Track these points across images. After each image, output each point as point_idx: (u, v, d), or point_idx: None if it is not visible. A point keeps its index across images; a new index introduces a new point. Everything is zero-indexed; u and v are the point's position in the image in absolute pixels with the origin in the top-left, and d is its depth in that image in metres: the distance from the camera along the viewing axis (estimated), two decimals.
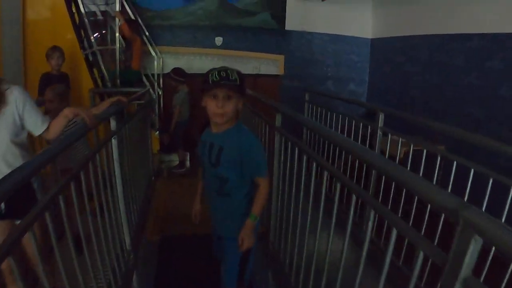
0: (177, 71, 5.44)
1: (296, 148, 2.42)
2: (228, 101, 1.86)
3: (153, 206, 4.17)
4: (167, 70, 6.20)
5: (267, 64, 6.48)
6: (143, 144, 4.24)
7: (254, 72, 6.47)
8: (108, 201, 2.33)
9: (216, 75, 1.84)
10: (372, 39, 7.05)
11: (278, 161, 2.82)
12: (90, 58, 5.02)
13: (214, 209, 2.16)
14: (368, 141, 3.66)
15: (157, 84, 6.07)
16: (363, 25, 6.98)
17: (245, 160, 1.94)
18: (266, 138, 3.31)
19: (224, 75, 1.83)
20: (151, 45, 5.92)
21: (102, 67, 5.02)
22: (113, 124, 2.62)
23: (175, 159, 5.86)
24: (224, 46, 6.40)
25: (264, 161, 2.02)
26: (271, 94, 6.51)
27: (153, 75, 5.97)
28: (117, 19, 5.21)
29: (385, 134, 3.32)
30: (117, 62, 5.11)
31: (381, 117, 3.25)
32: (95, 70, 5.07)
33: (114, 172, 2.58)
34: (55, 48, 4.34)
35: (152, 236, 3.63)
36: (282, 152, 2.75)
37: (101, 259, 2.05)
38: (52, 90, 3.22)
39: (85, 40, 5.01)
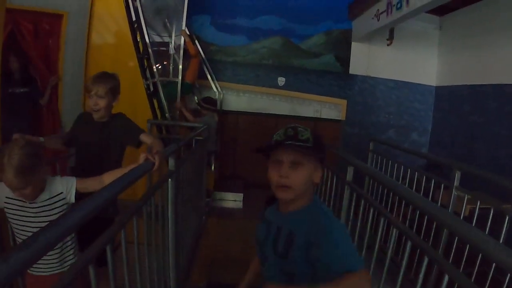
0: (208, 99, 5.51)
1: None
2: (296, 169, 1.34)
3: (201, 247, 3.96)
4: (227, 107, 6.12)
5: (329, 108, 6.39)
6: (198, 182, 4.14)
7: (315, 116, 6.37)
8: (158, 244, 2.29)
9: (282, 134, 1.39)
10: (436, 87, 6.86)
11: (346, 217, 2.73)
12: (151, 88, 4.94)
13: None
14: (431, 195, 3.51)
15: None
16: (428, 72, 6.88)
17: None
18: (333, 191, 3.26)
19: (292, 133, 1.38)
20: (212, 80, 5.79)
21: (163, 98, 4.93)
22: (171, 163, 2.55)
23: (229, 198, 5.66)
24: (287, 86, 6.38)
25: (352, 251, 1.31)
26: (332, 140, 6.34)
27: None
28: (182, 38, 5.28)
29: (445, 188, 3.21)
30: (178, 93, 5.01)
31: (458, 175, 3.01)
32: (154, 101, 4.98)
33: (168, 213, 2.55)
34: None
35: (198, 281, 3.39)
36: (352, 208, 2.69)
37: None
38: None
39: (147, 70, 4.94)
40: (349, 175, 2.76)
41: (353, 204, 2.68)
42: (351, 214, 2.72)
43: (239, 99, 6.32)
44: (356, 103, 6.59)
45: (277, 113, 6.45)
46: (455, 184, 2.99)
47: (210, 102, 5.47)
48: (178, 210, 2.81)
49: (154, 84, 5.13)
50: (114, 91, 2.47)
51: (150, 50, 5.20)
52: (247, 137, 5.82)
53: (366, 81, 6.58)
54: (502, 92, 5.23)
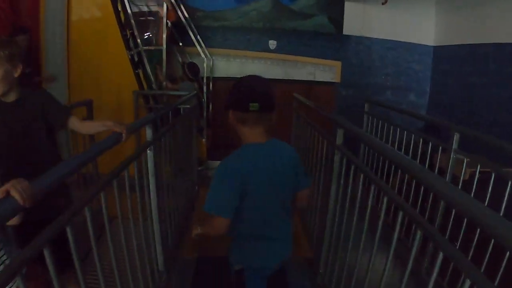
0: (192, 66, 5.38)
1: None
2: None
3: (194, 218, 3.80)
4: (218, 73, 5.93)
5: (323, 70, 6.18)
6: (187, 151, 3.90)
7: (309, 79, 6.16)
8: (138, 218, 2.20)
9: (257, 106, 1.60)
10: (435, 47, 6.65)
11: (337, 183, 2.58)
12: (136, 59, 4.73)
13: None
14: (428, 159, 3.30)
15: (207, 87, 5.72)
16: (425, 31, 6.70)
17: None
18: (323, 155, 3.11)
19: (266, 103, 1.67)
20: (200, 46, 5.56)
21: (148, 68, 4.73)
22: (148, 133, 2.44)
23: None
24: (278, 50, 6.28)
25: (212, 196, 1.58)
26: (326, 103, 6.19)
27: (202, 78, 5.60)
28: (164, 5, 5.12)
29: (443, 150, 3.07)
30: (164, 63, 4.80)
31: (456, 138, 2.85)
32: (140, 72, 4.77)
33: (150, 186, 2.47)
34: None
35: (189, 253, 3.25)
36: (343, 174, 2.49)
37: (129, 280, 1.97)
38: None
39: (130, 40, 4.72)
40: (339, 138, 2.57)
41: (344, 169, 2.49)
42: (342, 180, 2.53)
43: (230, 64, 6.13)
44: (351, 64, 6.38)
45: (269, 78, 6.19)
46: (453, 147, 2.84)
47: (193, 69, 5.26)
48: (162, 183, 2.72)
49: (139, 54, 4.92)
50: (11, 59, 1.90)
51: (132, 20, 4.99)
52: None
53: (361, 42, 6.36)
54: (503, 51, 5.02)
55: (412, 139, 3.64)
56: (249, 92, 1.64)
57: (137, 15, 5.30)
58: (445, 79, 6.45)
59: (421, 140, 3.52)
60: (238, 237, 1.75)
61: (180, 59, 5.85)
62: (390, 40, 6.46)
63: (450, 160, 2.87)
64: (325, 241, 2.71)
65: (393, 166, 3.66)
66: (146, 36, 5.26)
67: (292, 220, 1.86)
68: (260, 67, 6.18)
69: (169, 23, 5.50)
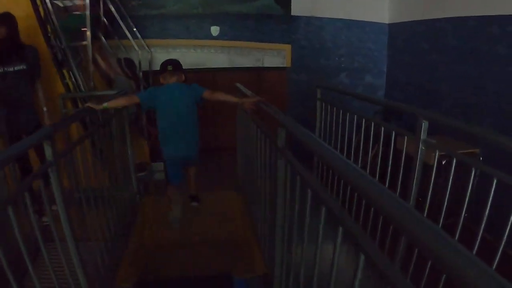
0: (129, 62, 4.99)
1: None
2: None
3: (135, 235, 3.35)
4: (157, 66, 5.39)
5: (271, 55, 5.74)
6: (122, 158, 3.43)
7: (257, 65, 5.72)
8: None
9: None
10: (389, 24, 6.26)
11: (283, 194, 2.03)
12: (59, 57, 4.16)
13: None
14: (392, 145, 3.04)
15: (146, 83, 5.22)
16: (379, 8, 6.35)
17: None
18: (267, 158, 2.70)
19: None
20: (135, 38, 5.05)
21: (74, 66, 4.16)
22: (48, 151, 1.98)
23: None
24: (222, 36, 5.86)
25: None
26: (277, 90, 5.77)
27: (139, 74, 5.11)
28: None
29: (402, 134, 2.87)
30: (90, 59, 4.27)
31: (425, 126, 2.53)
32: (65, 72, 4.21)
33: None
34: None
35: (124, 280, 2.79)
36: (288, 181, 2.12)
37: None
38: None
39: (51, 36, 4.15)
40: (281, 139, 2.15)
41: (289, 175, 2.08)
42: (287, 189, 2.12)
43: (170, 56, 5.58)
44: (302, 47, 5.97)
45: (214, 67, 5.77)
46: (422, 137, 2.50)
47: (131, 66, 4.76)
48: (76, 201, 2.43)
49: (62, 51, 4.34)
50: None
51: (53, 16, 4.38)
52: None
53: (311, 23, 5.94)
54: (464, 26, 4.65)
55: (372, 126, 3.28)
56: (166, 62, 3.30)
57: (61, 10, 4.71)
58: (402, 57, 6.12)
59: (382, 128, 3.18)
60: (160, 137, 3.31)
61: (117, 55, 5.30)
62: (342, 19, 6.07)
63: (419, 151, 2.54)
64: (277, 258, 2.41)
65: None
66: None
67: (196, 128, 3.28)
68: (203, 56, 5.72)
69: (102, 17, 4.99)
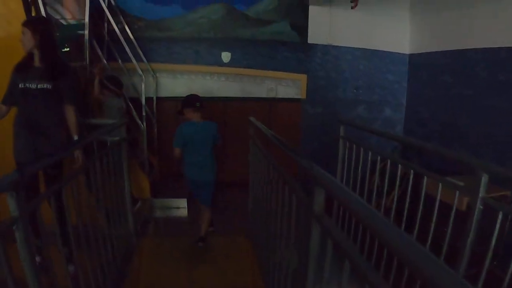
0: (113, 78, 4.40)
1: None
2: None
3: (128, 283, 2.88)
4: (163, 92, 4.99)
5: (286, 85, 5.33)
6: (117, 196, 2.95)
7: (270, 96, 5.25)
8: None
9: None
10: (410, 55, 5.88)
11: (315, 268, 1.73)
12: None
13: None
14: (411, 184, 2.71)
15: (150, 110, 4.78)
16: (400, 38, 5.97)
17: None
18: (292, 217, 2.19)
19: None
20: (138, 62, 4.62)
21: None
22: (11, 204, 1.52)
23: (171, 204, 4.52)
24: (233, 63, 5.42)
25: (175, 139, 3.53)
26: (291, 123, 5.33)
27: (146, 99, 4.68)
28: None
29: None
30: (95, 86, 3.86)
31: (484, 180, 2.06)
32: None
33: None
34: None
35: None
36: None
37: None
38: None
39: None
40: (318, 203, 1.66)
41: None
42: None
43: (176, 82, 5.22)
44: (318, 77, 5.54)
45: (224, 96, 5.32)
46: (481, 195, 2.06)
47: (115, 82, 4.31)
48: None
49: None
50: None
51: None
52: None
53: (329, 51, 5.53)
54: (495, 57, 4.26)
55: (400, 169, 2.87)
56: (195, 98, 3.59)
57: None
58: (423, 90, 5.71)
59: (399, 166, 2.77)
60: (186, 167, 3.62)
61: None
62: (360, 48, 5.67)
63: (476, 210, 2.07)
64: None
65: None
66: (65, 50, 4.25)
67: (212, 158, 3.65)
68: (212, 84, 5.30)
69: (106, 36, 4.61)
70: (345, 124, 3.85)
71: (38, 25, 2.93)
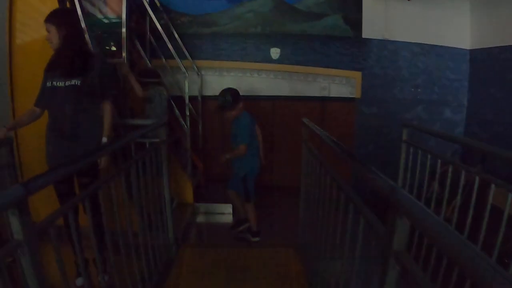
0: (146, 71, 4.15)
1: None
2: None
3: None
4: (209, 91, 4.67)
5: (339, 83, 4.93)
6: (156, 201, 2.64)
7: (323, 95, 4.83)
8: None
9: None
10: (471, 50, 5.28)
11: None
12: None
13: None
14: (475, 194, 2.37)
15: (194, 110, 4.45)
16: (459, 31, 5.40)
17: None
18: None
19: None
20: (187, 58, 4.33)
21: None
22: (15, 226, 1.21)
23: (214, 210, 4.18)
24: (283, 60, 5.05)
25: (243, 135, 3.48)
26: (344, 125, 4.92)
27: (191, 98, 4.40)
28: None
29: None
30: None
31: None
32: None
33: None
34: None
35: None
36: None
37: None
38: None
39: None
40: (400, 238, 1.25)
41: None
42: None
43: (223, 80, 4.89)
44: (374, 75, 5.10)
45: (273, 95, 4.95)
46: None
47: (149, 73, 4.05)
48: None
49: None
50: None
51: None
52: None
53: (385, 47, 5.08)
54: None
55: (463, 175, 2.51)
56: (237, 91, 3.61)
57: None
58: (487, 89, 5.16)
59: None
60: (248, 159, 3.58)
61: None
62: (419, 43, 5.18)
63: None
64: None
65: None
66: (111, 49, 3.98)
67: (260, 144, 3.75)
68: (261, 81, 4.93)
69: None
70: (409, 127, 3.40)
71: (61, 18, 2.63)
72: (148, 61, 4.39)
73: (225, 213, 4.31)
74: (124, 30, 3.77)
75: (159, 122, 3.04)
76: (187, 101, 4.30)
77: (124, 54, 3.72)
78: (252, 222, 3.74)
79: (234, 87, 3.71)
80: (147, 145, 2.89)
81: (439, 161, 2.93)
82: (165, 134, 2.99)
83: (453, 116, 5.49)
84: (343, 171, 2.11)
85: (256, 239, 3.75)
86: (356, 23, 4.99)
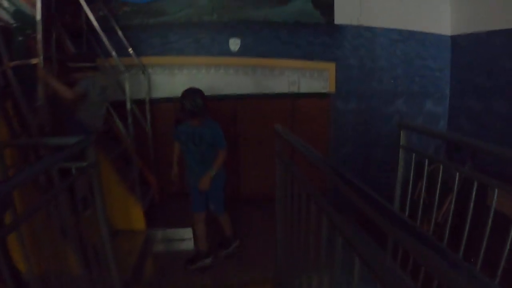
0: (78, 54, 3.53)
1: None
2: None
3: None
4: (158, 93, 3.89)
5: (310, 77, 4.23)
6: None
7: (292, 91, 4.10)
8: None
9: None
10: (453, 37, 4.75)
11: None
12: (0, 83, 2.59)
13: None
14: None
15: (142, 115, 3.69)
16: (439, 15, 4.78)
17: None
18: None
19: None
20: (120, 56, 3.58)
21: (19, 95, 2.57)
22: None
23: (172, 236, 3.44)
24: (244, 52, 4.28)
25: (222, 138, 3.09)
26: (317, 124, 4.21)
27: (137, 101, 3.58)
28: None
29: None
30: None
31: None
32: (8, 105, 2.62)
33: None
34: None
35: None
36: None
37: None
38: None
39: None
40: None
41: None
42: None
43: (175, 79, 4.14)
44: (349, 66, 4.45)
45: (234, 93, 4.19)
46: None
47: (83, 56, 3.33)
48: None
49: (3, 75, 2.73)
50: None
51: None
52: None
53: (360, 34, 4.44)
54: None
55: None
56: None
57: None
58: (471, 78, 4.60)
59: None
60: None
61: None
62: (398, 29, 4.56)
63: None
64: None
65: None
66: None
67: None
68: (219, 79, 4.20)
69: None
70: (406, 128, 2.72)
71: None
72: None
73: (185, 238, 3.55)
74: (39, 17, 2.94)
75: (83, 141, 2.23)
76: (128, 105, 3.47)
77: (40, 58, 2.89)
78: (230, 230, 3.42)
79: (189, 86, 3.04)
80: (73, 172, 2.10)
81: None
82: (94, 156, 2.20)
83: (435, 108, 4.91)
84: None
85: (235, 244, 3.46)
86: (327, 7, 4.28)
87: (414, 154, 2.63)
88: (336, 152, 4.43)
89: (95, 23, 3.46)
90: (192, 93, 2.99)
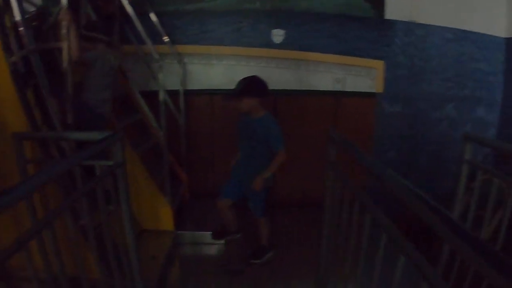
0: (91, 25, 3.10)
1: None
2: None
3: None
4: (194, 84, 3.61)
5: (356, 74, 3.91)
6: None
7: (336, 89, 3.78)
8: None
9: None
10: (507, 39, 4.40)
11: None
12: (20, 70, 2.29)
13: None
14: None
15: (176, 107, 3.41)
16: (493, 16, 4.36)
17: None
18: None
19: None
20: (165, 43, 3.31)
21: (43, 81, 2.26)
22: None
23: (200, 239, 3.17)
24: (287, 44, 3.94)
25: (280, 139, 2.88)
26: (361, 125, 3.94)
27: (170, 92, 3.31)
28: None
29: None
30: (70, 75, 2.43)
31: None
32: (29, 94, 2.32)
33: None
34: None
35: None
36: None
37: None
38: None
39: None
40: None
41: None
42: None
43: (212, 70, 3.84)
44: (398, 65, 4.09)
45: (274, 88, 3.88)
46: None
47: (95, 27, 3.01)
48: None
49: (26, 60, 2.41)
50: None
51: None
52: (230, 129, 3.24)
53: (412, 31, 4.08)
54: None
55: None
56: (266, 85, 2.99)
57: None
58: None
59: None
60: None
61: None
62: (452, 28, 4.16)
63: None
64: None
65: None
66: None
67: None
68: (259, 71, 3.84)
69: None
70: (473, 141, 2.32)
71: None
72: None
73: (215, 243, 3.26)
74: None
75: (110, 137, 1.93)
76: (161, 96, 3.17)
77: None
78: (266, 239, 3.19)
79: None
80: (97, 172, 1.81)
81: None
82: (121, 155, 1.90)
83: (486, 115, 4.52)
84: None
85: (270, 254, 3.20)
86: (378, 0, 3.94)
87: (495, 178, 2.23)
88: (379, 157, 4.08)
89: (128, 7, 3.20)
90: (248, 76, 3.00)
